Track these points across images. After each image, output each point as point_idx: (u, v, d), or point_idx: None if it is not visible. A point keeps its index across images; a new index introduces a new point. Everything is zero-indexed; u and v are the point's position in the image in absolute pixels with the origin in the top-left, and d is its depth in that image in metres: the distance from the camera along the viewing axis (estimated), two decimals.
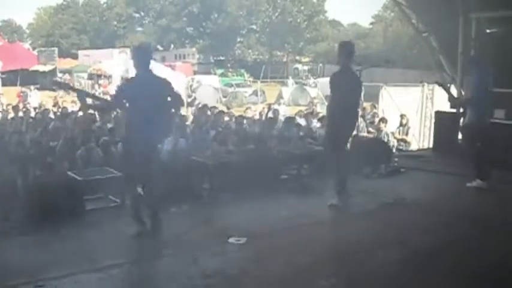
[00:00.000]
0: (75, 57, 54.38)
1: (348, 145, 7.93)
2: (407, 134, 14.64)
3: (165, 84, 6.36)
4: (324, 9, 71.49)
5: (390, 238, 6.09)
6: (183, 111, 20.00)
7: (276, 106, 20.90)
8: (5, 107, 18.44)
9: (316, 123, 13.89)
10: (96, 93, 32.64)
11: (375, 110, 16.56)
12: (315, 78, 47.89)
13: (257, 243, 5.89)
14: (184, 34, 72.70)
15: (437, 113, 12.34)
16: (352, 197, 7.57)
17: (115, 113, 12.21)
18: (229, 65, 64.71)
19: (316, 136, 12.08)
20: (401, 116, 14.88)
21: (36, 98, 29.98)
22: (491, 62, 9.17)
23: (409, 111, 16.19)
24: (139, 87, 6.16)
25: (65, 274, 4.94)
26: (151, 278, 5.14)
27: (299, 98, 34.45)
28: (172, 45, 70.75)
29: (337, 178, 7.35)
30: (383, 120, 14.12)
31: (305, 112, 16.41)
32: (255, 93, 37.15)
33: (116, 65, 37.75)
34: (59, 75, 43.07)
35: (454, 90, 12.46)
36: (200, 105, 18.68)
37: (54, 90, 38.77)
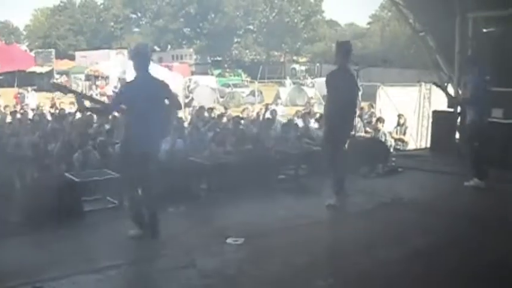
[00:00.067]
0: (72, 58, 54.27)
1: (346, 145, 7.94)
2: (404, 133, 14.64)
3: (163, 86, 6.37)
4: (321, 9, 71.54)
5: (388, 238, 6.10)
6: (181, 112, 20.01)
7: (273, 106, 20.90)
8: (2, 109, 18.38)
9: (313, 124, 13.88)
10: (94, 94, 32.74)
11: (372, 110, 16.56)
12: (312, 78, 47.99)
13: (255, 244, 5.89)
14: (181, 35, 72.66)
15: (435, 112, 12.37)
16: (350, 197, 7.58)
17: (114, 114, 12.19)
18: (226, 65, 64.71)
19: (313, 136, 12.08)
20: (399, 116, 14.87)
21: (34, 99, 29.95)
22: (489, 62, 9.19)
23: (407, 110, 16.17)
24: (137, 89, 6.18)
25: (63, 275, 4.94)
26: (149, 279, 5.14)
27: (296, 98, 34.43)
28: (169, 46, 70.71)
29: (334, 178, 7.35)
30: (380, 120, 14.11)
31: (302, 112, 16.39)
32: (252, 93, 37.18)
33: (113, 66, 37.73)
34: (56, 76, 43.00)
35: (451, 90, 12.48)
36: (198, 107, 18.65)
37: (51, 91, 38.82)
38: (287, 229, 6.41)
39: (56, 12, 72.71)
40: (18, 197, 7.28)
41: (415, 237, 6.06)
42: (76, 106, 14.68)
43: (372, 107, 16.98)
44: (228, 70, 58.95)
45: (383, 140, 12.99)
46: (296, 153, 9.50)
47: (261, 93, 37.54)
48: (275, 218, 6.79)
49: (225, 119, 14.57)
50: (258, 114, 17.10)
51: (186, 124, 13.41)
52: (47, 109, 19.21)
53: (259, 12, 68.58)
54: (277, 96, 33.69)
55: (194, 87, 34.52)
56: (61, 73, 43.90)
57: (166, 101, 6.36)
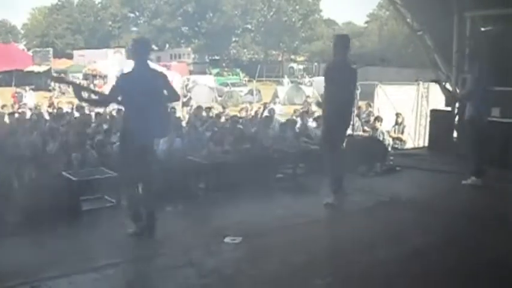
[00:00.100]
0: (70, 57, 54.29)
1: (344, 143, 7.94)
2: (402, 132, 14.65)
3: (161, 77, 6.39)
4: (319, 8, 71.56)
5: (386, 236, 6.10)
6: (179, 111, 20.03)
7: (271, 105, 20.91)
8: (0, 108, 18.35)
9: (311, 123, 13.88)
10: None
11: (370, 109, 16.57)
12: (310, 77, 47.98)
13: (253, 243, 5.89)
14: (180, 34, 72.66)
15: (433, 111, 12.37)
16: (348, 196, 7.57)
17: (112, 113, 12.18)
18: (224, 64, 64.72)
19: (311, 135, 12.08)
20: (397, 115, 14.88)
21: (32, 98, 29.89)
22: (486, 60, 9.19)
23: (405, 109, 16.19)
24: (135, 80, 6.18)
25: (61, 274, 4.93)
26: (147, 278, 5.13)
27: (294, 97, 34.47)
28: (167, 45, 70.72)
29: (332, 177, 7.35)
30: (378, 118, 14.12)
31: (301, 111, 16.40)
32: (250, 92, 37.22)
33: (111, 65, 37.75)
34: (54, 75, 42.98)
35: (449, 88, 12.49)
36: (195, 106, 18.66)
37: (49, 90, 38.78)
38: (285, 228, 6.41)
39: (54, 11, 72.66)
40: (16, 196, 7.27)
41: (414, 236, 6.06)
42: (74, 106, 14.73)
43: (370, 106, 16.99)
44: (226, 69, 58.98)
45: (381, 138, 13.00)
46: (294, 152, 9.49)
47: (259, 92, 37.59)
48: (273, 217, 6.78)
49: (223, 119, 14.59)
50: (256, 113, 17.12)
51: (184, 123, 13.42)
52: (44, 108, 19.20)
53: (257, 11, 68.58)
54: (275, 95, 33.74)
55: (192, 86, 34.58)
56: (59, 72, 43.82)
57: (165, 92, 6.36)
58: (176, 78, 30.28)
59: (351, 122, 8.75)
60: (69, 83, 7.20)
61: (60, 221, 6.29)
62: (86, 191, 7.27)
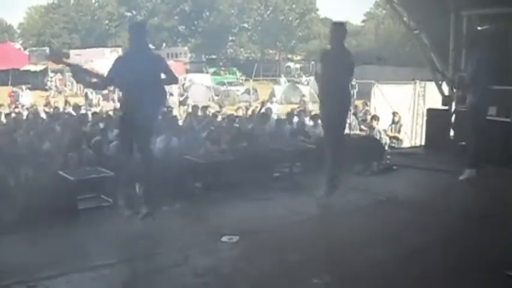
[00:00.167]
0: (66, 56, 54.17)
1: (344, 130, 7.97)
2: (399, 131, 14.67)
3: (158, 59, 6.42)
4: (315, 7, 71.64)
5: (383, 235, 6.10)
6: (175, 110, 20.03)
7: (268, 104, 20.91)
8: None
9: (308, 122, 13.88)
10: (89, 93, 32.65)
11: (367, 108, 16.61)
12: (307, 76, 47.99)
13: (250, 241, 5.89)
14: (176, 33, 72.60)
15: (429, 110, 12.39)
16: (343, 194, 7.58)
17: (109, 112, 12.20)
18: (221, 63, 64.72)
19: (308, 134, 12.09)
20: (394, 114, 14.90)
21: (28, 97, 29.91)
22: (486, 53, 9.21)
23: (401, 108, 16.22)
24: (131, 62, 6.21)
25: (57, 274, 4.93)
26: (144, 277, 5.13)
27: (291, 96, 34.46)
28: (164, 44, 70.60)
29: (329, 171, 7.37)
30: (375, 117, 14.15)
31: (298, 110, 16.41)
32: (247, 91, 37.23)
33: (108, 64, 37.58)
34: (51, 75, 42.97)
35: (445, 88, 12.51)
36: (192, 105, 18.66)
37: (46, 89, 38.73)
38: (282, 227, 6.41)
39: (50, 10, 72.51)
40: (13, 195, 7.25)
41: (411, 235, 6.06)
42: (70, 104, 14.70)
43: (367, 104, 17.03)
44: (223, 68, 59.00)
45: (378, 137, 13.02)
46: (291, 151, 9.48)
47: (256, 91, 37.60)
48: (270, 216, 6.79)
49: (219, 117, 14.60)
50: (253, 112, 17.12)
51: (180, 122, 13.42)
52: (41, 107, 19.19)
53: (253, 11, 68.62)
54: (272, 94, 33.73)
55: (189, 85, 34.55)
56: (55, 71, 43.78)
57: (163, 76, 6.40)
58: None
59: (350, 110, 8.75)
60: (67, 64, 7.22)
61: (56, 220, 6.27)
62: (83, 190, 7.25)
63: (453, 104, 11.40)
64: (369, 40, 58.45)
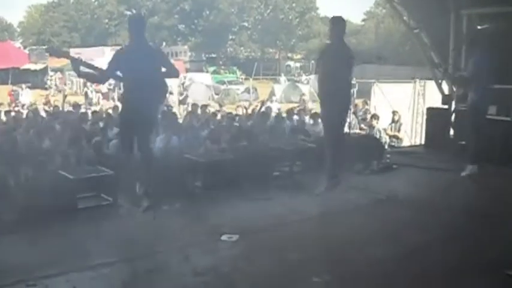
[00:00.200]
0: (66, 55, 54.04)
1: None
2: (399, 130, 14.68)
3: (158, 53, 6.44)
4: (315, 6, 71.68)
5: (384, 234, 6.10)
6: (175, 109, 20.02)
7: (268, 103, 20.93)
8: None
9: (308, 120, 13.89)
10: (89, 92, 32.66)
11: (366, 107, 16.63)
12: (307, 75, 48.03)
13: (249, 240, 5.88)
14: (176, 31, 72.59)
15: (429, 109, 12.39)
16: (343, 192, 7.59)
17: (108, 111, 12.23)
18: (221, 62, 64.75)
19: (309, 133, 12.09)
20: (393, 113, 14.91)
21: (28, 96, 29.92)
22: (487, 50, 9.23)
23: (401, 107, 16.23)
24: (131, 55, 6.22)
25: (57, 273, 4.92)
26: (143, 276, 5.12)
27: (291, 95, 34.49)
28: (164, 43, 70.49)
29: (330, 167, 7.39)
30: (375, 116, 14.16)
31: (298, 109, 16.42)
32: (247, 90, 37.26)
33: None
34: (51, 73, 42.96)
35: (445, 87, 12.52)
36: (191, 103, 18.68)
37: (45, 88, 38.73)
38: (282, 226, 6.41)
39: (50, 9, 72.54)
40: (12, 194, 7.25)
41: (411, 234, 6.06)
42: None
43: (367, 103, 17.05)
44: (222, 67, 59.06)
45: (377, 136, 13.03)
46: (291, 150, 9.48)
47: (256, 90, 37.62)
48: (270, 215, 6.78)
49: (219, 116, 14.61)
50: (253, 110, 17.13)
51: (180, 121, 13.43)
52: (41, 106, 19.20)
53: (253, 9, 68.61)
54: (272, 93, 33.78)
55: (189, 84, 34.57)
56: (55, 70, 43.81)
57: (163, 69, 6.42)
58: None
59: (350, 105, 8.76)
60: (67, 57, 7.24)
61: (56, 219, 6.27)
62: (83, 189, 7.25)
63: (453, 103, 11.40)
64: (369, 39, 58.47)
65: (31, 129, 11.31)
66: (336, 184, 7.49)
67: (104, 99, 31.15)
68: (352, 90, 9.46)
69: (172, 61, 6.91)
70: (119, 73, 6.42)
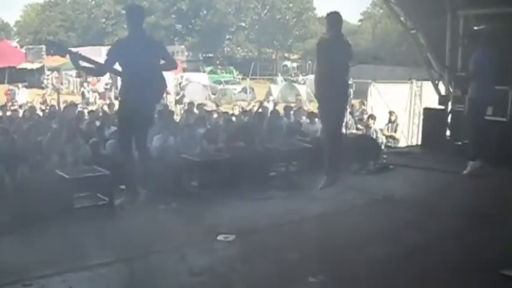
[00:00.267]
0: (63, 51, 53.89)
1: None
2: (395, 130, 14.71)
3: (157, 45, 6.43)
4: (312, 6, 71.59)
5: (380, 235, 6.10)
6: (172, 108, 20.01)
7: (265, 103, 20.95)
8: None
9: (305, 119, 13.90)
10: (85, 92, 32.64)
11: (363, 107, 16.64)
12: (304, 75, 48.06)
13: (246, 241, 5.88)
14: (173, 31, 72.45)
15: (426, 109, 12.40)
16: (339, 193, 7.60)
17: (105, 109, 12.24)
18: (218, 62, 64.67)
19: (305, 132, 12.11)
20: (390, 113, 14.94)
21: (24, 96, 29.87)
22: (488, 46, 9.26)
23: (398, 108, 16.27)
24: (129, 47, 6.21)
25: (53, 273, 4.91)
26: (140, 276, 5.12)
27: (288, 95, 34.51)
28: None
29: (329, 160, 7.41)
30: (372, 117, 14.16)
31: (295, 109, 16.44)
32: (244, 90, 37.29)
33: None
34: (47, 73, 42.88)
35: (442, 87, 12.54)
36: (188, 102, 18.69)
37: (42, 88, 38.66)
38: (278, 226, 6.41)
39: (47, 8, 72.38)
40: (8, 194, 7.25)
41: (408, 234, 6.06)
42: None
43: (363, 104, 17.07)
44: (219, 67, 58.98)
45: (374, 137, 13.04)
46: (287, 150, 9.49)
47: (253, 90, 37.65)
48: (266, 215, 6.78)
49: (215, 115, 14.63)
50: (250, 110, 17.13)
51: (177, 120, 13.44)
52: (37, 105, 19.17)
53: (251, 9, 68.54)
54: (269, 93, 33.81)
55: (186, 84, 34.59)
56: (52, 69, 43.73)
57: (162, 61, 6.42)
58: (170, 76, 30.25)
59: (348, 100, 8.77)
60: (67, 51, 7.25)
61: (52, 219, 6.27)
62: (79, 189, 7.24)
63: (449, 103, 11.42)
64: (366, 39, 58.46)
65: (27, 128, 11.29)
66: (335, 181, 7.51)
67: (101, 99, 31.11)
68: (350, 91, 9.47)
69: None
70: (117, 65, 6.39)
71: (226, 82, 43.59)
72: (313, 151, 9.27)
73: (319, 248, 5.75)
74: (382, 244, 5.76)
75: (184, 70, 46.98)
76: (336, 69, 7.31)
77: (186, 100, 25.25)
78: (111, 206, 7.08)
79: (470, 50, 9.25)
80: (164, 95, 9.76)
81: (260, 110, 15.85)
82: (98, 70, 7.11)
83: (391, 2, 13.63)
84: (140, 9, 6.88)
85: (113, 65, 6.47)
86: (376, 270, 5.04)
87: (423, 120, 12.36)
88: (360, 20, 67.84)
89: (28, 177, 8.09)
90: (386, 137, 14.36)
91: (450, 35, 11.70)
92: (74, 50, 7.28)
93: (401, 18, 13.72)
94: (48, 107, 18.04)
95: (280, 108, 18.67)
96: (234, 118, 14.14)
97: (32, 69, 43.80)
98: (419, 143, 12.72)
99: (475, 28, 10.91)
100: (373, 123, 13.84)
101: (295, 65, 62.46)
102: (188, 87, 33.79)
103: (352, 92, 13.31)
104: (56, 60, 48.72)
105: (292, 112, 14.77)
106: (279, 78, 46.34)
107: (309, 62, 57.82)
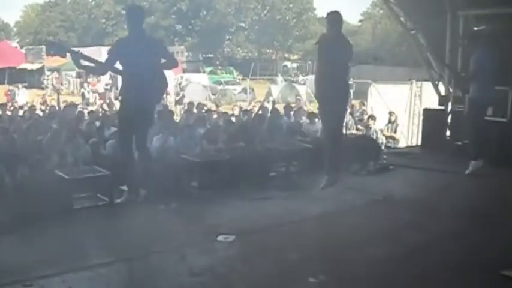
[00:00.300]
0: (62, 51, 53.92)
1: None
2: (395, 131, 14.71)
3: (158, 43, 6.44)
4: (312, 7, 71.64)
5: (382, 235, 6.09)
6: (172, 109, 20.01)
7: (265, 104, 20.96)
8: None
9: (305, 119, 13.90)
10: (85, 92, 32.65)
11: (363, 107, 16.64)
12: (304, 76, 48.06)
13: (246, 241, 5.88)
14: (173, 32, 72.44)
15: (426, 110, 12.40)
16: (340, 193, 7.59)
17: (104, 109, 12.24)
18: (218, 62, 64.67)
19: (305, 133, 12.11)
20: (390, 113, 14.94)
21: (24, 96, 29.88)
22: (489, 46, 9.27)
23: (398, 108, 16.27)
24: (130, 45, 6.22)
25: (53, 273, 4.90)
26: (140, 276, 5.12)
27: (288, 95, 34.48)
28: None
29: (330, 160, 7.41)
30: (372, 117, 14.16)
31: (294, 109, 16.44)
32: (244, 90, 37.31)
33: None
34: (47, 73, 42.90)
35: (442, 88, 12.53)
36: (188, 103, 18.69)
37: (42, 88, 38.67)
38: (278, 226, 6.40)
39: (47, 8, 72.39)
40: (7, 193, 7.24)
41: (408, 235, 6.05)
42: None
43: (363, 104, 17.07)
44: (219, 67, 58.99)
45: (374, 137, 13.03)
46: (287, 150, 9.49)
47: (253, 90, 37.66)
48: (266, 215, 6.78)
49: (215, 116, 14.63)
50: (251, 111, 17.13)
51: (177, 121, 13.44)
52: (37, 106, 19.17)
53: (251, 10, 68.56)
54: (269, 94, 33.82)
55: (186, 84, 34.61)
56: (52, 70, 43.76)
57: (163, 60, 6.43)
58: (169, 77, 30.27)
59: (349, 99, 8.76)
60: (67, 50, 7.27)
61: (52, 219, 6.27)
62: (79, 189, 7.24)
63: (449, 104, 11.43)
64: (366, 40, 58.50)
65: (27, 128, 11.29)
66: (336, 180, 7.51)
67: (101, 99, 31.10)
68: (350, 91, 9.49)
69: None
70: (118, 64, 6.40)
71: (226, 82, 43.60)
72: (313, 151, 9.26)
73: (319, 248, 5.75)
74: (382, 244, 5.76)
75: (184, 71, 46.99)
76: (336, 69, 7.32)
77: (186, 101, 25.23)
78: (111, 206, 7.08)
79: (470, 51, 9.24)
80: (164, 95, 9.75)
81: (260, 112, 15.87)
82: (99, 69, 7.11)
83: (391, 2, 13.63)
84: (140, 9, 6.89)
85: (114, 64, 6.48)
86: (376, 271, 5.04)
87: (423, 120, 12.36)
88: (360, 21, 67.91)
89: (28, 177, 8.08)
90: (387, 137, 14.36)
91: (450, 35, 11.71)
92: (75, 49, 7.27)
93: (402, 19, 13.73)
94: (48, 108, 18.03)
95: (280, 108, 18.71)
96: (233, 118, 14.13)
97: (32, 70, 43.82)
98: (419, 143, 12.72)
99: (475, 28, 10.92)
100: (373, 123, 13.84)
101: (295, 65, 62.50)
102: (188, 87, 33.80)
103: (352, 93, 13.34)
104: (56, 61, 48.78)
105: (292, 112, 14.77)
106: (279, 78, 46.35)
107: (309, 62, 57.86)
